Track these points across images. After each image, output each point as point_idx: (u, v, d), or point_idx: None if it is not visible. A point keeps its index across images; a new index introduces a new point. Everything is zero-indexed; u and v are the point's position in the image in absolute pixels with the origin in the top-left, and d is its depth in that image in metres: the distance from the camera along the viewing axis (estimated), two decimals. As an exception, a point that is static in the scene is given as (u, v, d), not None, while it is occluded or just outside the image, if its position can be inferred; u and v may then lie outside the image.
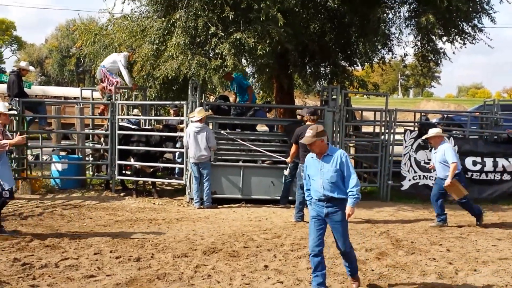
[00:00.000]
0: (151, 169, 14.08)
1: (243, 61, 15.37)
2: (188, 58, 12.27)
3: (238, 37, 11.85)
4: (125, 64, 14.63)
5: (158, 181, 14.79)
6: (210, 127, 13.25)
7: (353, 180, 6.55)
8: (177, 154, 15.52)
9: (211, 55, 12.91)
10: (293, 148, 11.42)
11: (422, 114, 19.47)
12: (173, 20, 12.36)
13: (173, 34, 12.40)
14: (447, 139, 11.11)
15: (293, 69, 16.81)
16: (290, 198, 12.73)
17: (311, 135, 6.59)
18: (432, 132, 11.07)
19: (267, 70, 16.79)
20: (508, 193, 14.19)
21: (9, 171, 9.34)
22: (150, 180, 14.15)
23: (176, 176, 15.92)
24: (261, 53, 11.97)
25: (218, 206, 12.65)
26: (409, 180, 13.98)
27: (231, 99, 16.81)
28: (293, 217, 11.31)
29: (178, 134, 13.58)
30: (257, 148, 13.09)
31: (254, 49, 12.00)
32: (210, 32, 12.06)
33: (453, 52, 16.06)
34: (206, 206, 12.48)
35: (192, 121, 12.45)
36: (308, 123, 11.23)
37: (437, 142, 10.94)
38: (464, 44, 15.31)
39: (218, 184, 13.07)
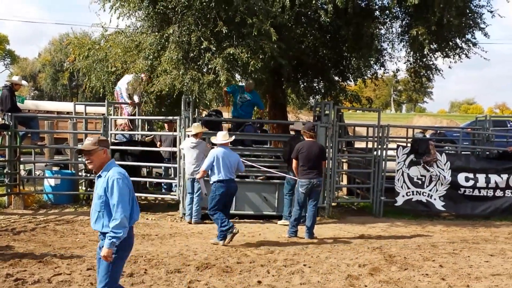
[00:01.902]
0: None
1: (237, 76, 15.38)
2: (181, 72, 12.28)
3: (231, 52, 11.88)
4: (128, 85, 14.95)
5: (150, 196, 14.79)
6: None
7: (116, 214, 5.27)
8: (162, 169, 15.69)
9: (204, 70, 12.92)
10: (294, 163, 11.40)
11: (420, 131, 19.57)
12: (167, 35, 12.39)
13: (167, 49, 12.43)
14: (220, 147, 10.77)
15: (286, 84, 16.85)
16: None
17: (91, 142, 5.47)
18: (219, 135, 10.89)
19: (260, 85, 16.81)
20: (501, 209, 14.22)
21: None
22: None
23: (163, 190, 16.01)
24: (253, 68, 12.00)
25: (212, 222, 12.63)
26: (403, 196, 14.00)
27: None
28: (286, 233, 11.31)
29: (160, 149, 13.67)
30: (254, 164, 13.07)
31: (247, 64, 12.04)
32: (203, 47, 12.08)
33: (449, 67, 16.20)
34: (194, 221, 12.43)
35: (188, 136, 12.47)
36: (306, 138, 11.30)
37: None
38: (460, 58, 15.39)
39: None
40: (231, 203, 11.28)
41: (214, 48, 12.02)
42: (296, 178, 11.71)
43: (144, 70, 13.40)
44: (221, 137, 10.70)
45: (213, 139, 10.91)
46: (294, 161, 11.32)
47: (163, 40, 12.56)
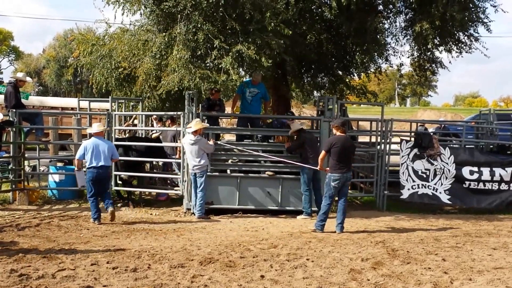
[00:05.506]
0: (132, 179, 14.38)
1: (241, 71, 15.40)
2: (193, 71, 12.31)
3: (242, 50, 11.88)
4: None
5: (154, 191, 14.85)
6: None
7: None
8: (174, 164, 15.57)
9: (210, 67, 12.94)
10: (322, 155, 11.36)
11: (420, 124, 19.55)
12: (174, 34, 12.40)
13: (174, 48, 12.44)
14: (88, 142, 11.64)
15: (290, 79, 16.85)
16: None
17: None
18: (94, 125, 11.81)
19: (265, 80, 16.84)
20: (507, 203, 14.21)
21: None
22: (136, 189, 14.55)
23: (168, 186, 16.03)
24: (264, 64, 12.05)
25: (216, 217, 12.67)
26: (408, 189, 13.99)
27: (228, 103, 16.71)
28: (314, 225, 11.36)
29: (165, 144, 13.73)
30: (271, 157, 13.11)
31: (255, 61, 12.07)
32: (214, 45, 12.09)
33: (450, 62, 16.20)
34: (197, 216, 12.48)
35: (188, 132, 12.47)
36: (338, 133, 11.22)
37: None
38: (461, 53, 15.40)
39: (215, 195, 13.08)
40: (104, 189, 11.97)
41: (223, 45, 12.01)
42: (316, 168, 11.97)
43: (153, 69, 13.44)
44: (96, 127, 11.68)
45: (88, 130, 11.95)
46: (323, 153, 11.29)
47: (170, 39, 12.57)
